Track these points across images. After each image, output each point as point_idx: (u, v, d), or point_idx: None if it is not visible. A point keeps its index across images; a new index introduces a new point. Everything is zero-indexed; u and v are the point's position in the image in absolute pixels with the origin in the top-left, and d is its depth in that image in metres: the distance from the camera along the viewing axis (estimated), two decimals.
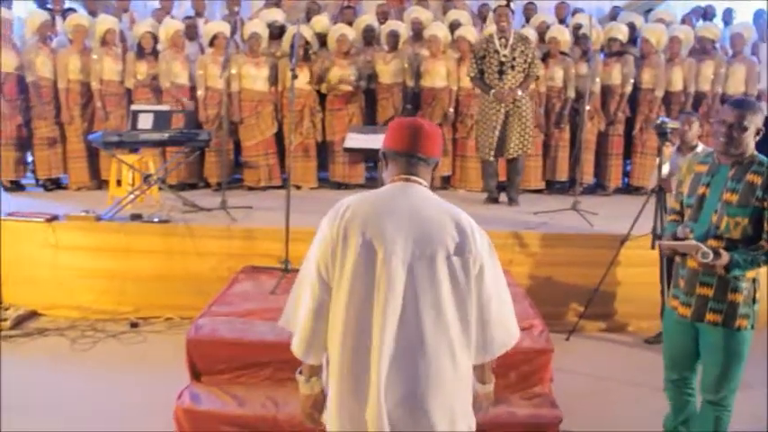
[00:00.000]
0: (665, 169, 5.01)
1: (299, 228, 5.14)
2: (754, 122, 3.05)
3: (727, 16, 8.97)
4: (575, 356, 5.03)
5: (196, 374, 4.08)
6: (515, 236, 5.80)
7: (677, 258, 3.30)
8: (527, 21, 8.65)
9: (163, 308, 5.68)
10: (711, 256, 2.99)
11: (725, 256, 3.00)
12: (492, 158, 6.92)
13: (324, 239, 2.26)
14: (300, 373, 2.40)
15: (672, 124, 5.13)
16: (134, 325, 5.59)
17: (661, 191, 5.10)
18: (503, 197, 7.21)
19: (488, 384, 2.46)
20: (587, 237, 5.86)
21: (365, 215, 2.23)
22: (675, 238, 3.22)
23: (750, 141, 3.07)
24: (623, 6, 9.21)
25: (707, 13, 8.87)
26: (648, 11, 9.14)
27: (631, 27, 8.15)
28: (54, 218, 5.87)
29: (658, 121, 5.13)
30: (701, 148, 5.10)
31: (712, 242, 3.08)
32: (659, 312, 5.21)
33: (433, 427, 2.21)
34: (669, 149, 5.18)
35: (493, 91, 6.73)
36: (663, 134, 5.10)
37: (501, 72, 6.72)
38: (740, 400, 3.36)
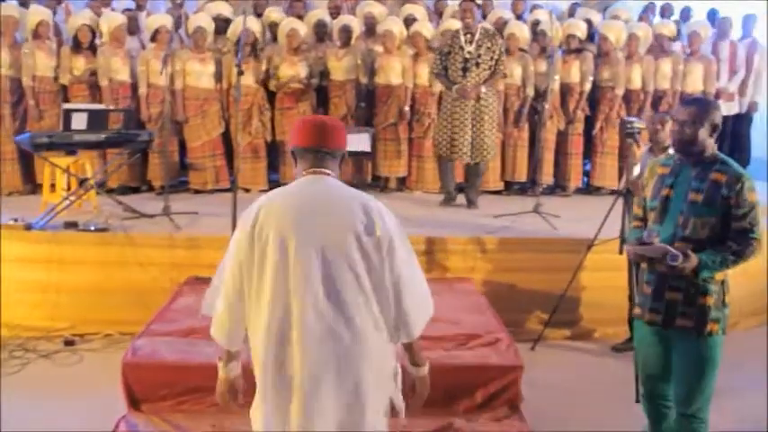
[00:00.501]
0: (636, 171, 4.79)
1: None
2: (708, 120, 3.01)
3: (685, 14, 8.87)
4: (541, 367, 4.78)
5: (134, 402, 3.74)
6: (476, 241, 5.57)
7: (643, 264, 3.18)
8: (484, 17, 8.37)
9: (101, 323, 5.30)
10: (681, 258, 2.92)
11: (693, 258, 2.94)
12: (460, 160, 6.68)
13: (241, 239, 2.38)
14: (220, 358, 2.54)
15: (638, 124, 4.93)
16: (69, 343, 5.18)
17: (629, 193, 4.88)
18: (460, 199, 6.97)
19: (422, 367, 2.52)
20: (551, 241, 5.67)
21: (278, 212, 2.35)
22: (641, 243, 3.09)
23: (707, 139, 3.03)
24: (581, 3, 9.01)
25: (664, 11, 8.75)
26: (606, 8, 9.00)
27: (588, 24, 7.98)
28: None
29: (625, 122, 4.91)
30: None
31: (679, 244, 3.00)
32: (627, 318, 5.08)
33: (362, 410, 2.34)
34: (639, 151, 4.97)
35: (456, 86, 6.50)
36: (630, 135, 4.89)
37: (465, 69, 6.49)
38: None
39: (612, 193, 7.59)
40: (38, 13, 7.27)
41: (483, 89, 6.48)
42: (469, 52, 6.46)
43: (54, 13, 7.71)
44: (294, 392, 2.33)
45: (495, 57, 6.52)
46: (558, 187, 7.88)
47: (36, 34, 7.19)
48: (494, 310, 4.60)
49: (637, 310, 3.28)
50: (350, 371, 2.33)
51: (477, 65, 6.47)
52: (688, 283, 3.02)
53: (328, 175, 2.46)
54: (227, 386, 2.55)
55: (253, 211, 2.39)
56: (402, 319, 2.40)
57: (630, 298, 4.88)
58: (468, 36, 6.51)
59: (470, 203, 6.83)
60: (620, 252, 4.83)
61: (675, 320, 3.07)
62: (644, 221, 3.27)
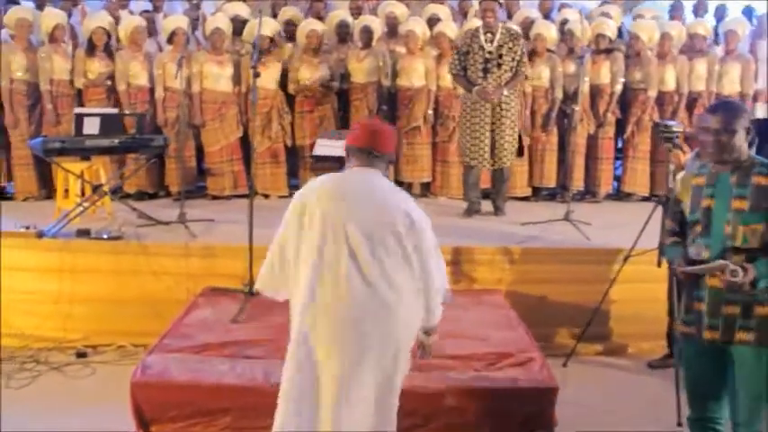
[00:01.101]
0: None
1: (266, 245, 4.57)
2: (742, 124, 2.91)
3: (720, 12, 8.52)
4: (574, 385, 4.49)
5: (143, 423, 3.53)
6: (504, 251, 5.31)
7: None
8: (509, 16, 8.14)
9: (114, 334, 5.12)
10: (741, 273, 2.79)
11: (751, 270, 2.82)
12: (478, 166, 6.40)
13: (291, 213, 2.82)
14: None
15: (676, 127, 4.64)
16: (81, 355, 5.00)
17: (668, 201, 4.59)
18: (485, 207, 6.68)
19: (433, 335, 3.02)
20: (583, 251, 5.39)
21: (327, 192, 2.79)
22: (690, 262, 2.94)
23: (742, 143, 2.93)
24: (609, 1, 8.72)
25: (698, 9, 8.42)
26: (632, 7, 8.73)
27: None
28: None
29: (659, 125, 4.63)
30: None
31: (736, 258, 2.85)
32: (666, 333, 4.85)
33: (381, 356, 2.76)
34: (685, 156, 4.68)
35: (476, 88, 6.21)
36: (667, 139, 4.61)
37: (486, 70, 6.21)
38: None
39: (644, 199, 7.45)
40: (54, 16, 7.14)
41: (505, 91, 6.20)
42: (490, 52, 6.19)
43: (69, 15, 7.56)
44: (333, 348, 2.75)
45: (518, 58, 6.24)
46: (588, 193, 7.58)
47: (52, 38, 7.05)
48: (525, 325, 4.32)
49: (686, 328, 3.07)
50: (390, 333, 2.76)
51: (499, 66, 6.20)
52: (745, 295, 2.87)
53: (375, 170, 2.86)
54: None
55: (304, 190, 2.84)
56: (430, 305, 2.87)
57: (670, 313, 4.61)
58: (489, 35, 6.23)
59: (497, 210, 6.57)
60: (659, 264, 4.59)
61: (735, 335, 2.91)
62: (680, 236, 3.12)
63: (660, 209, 4.62)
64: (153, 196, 7.26)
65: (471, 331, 4.21)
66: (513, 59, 6.23)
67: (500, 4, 6.41)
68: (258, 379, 3.53)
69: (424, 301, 2.83)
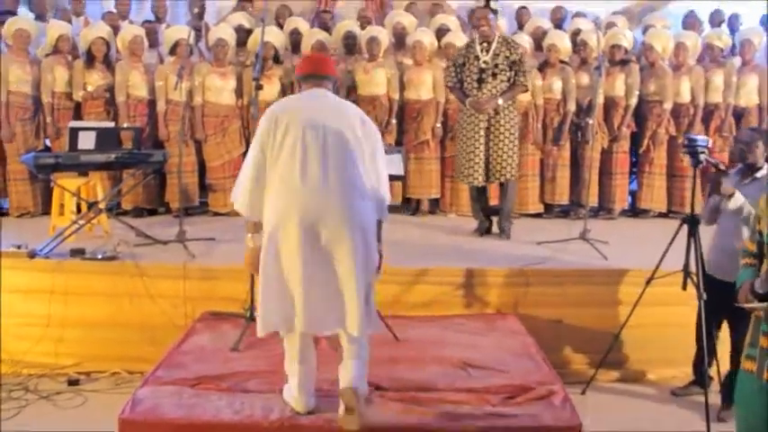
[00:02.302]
0: (739, 201, 4.15)
1: None
2: None
3: (733, 22, 8.23)
4: (594, 414, 4.16)
5: None
6: (518, 273, 5.02)
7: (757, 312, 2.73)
8: (520, 27, 7.88)
9: (107, 360, 4.85)
10: None
11: None
12: (472, 182, 6.08)
13: (262, 129, 3.16)
14: (248, 231, 3.29)
15: (703, 142, 4.34)
16: (73, 382, 4.71)
17: (693, 220, 4.30)
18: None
19: (381, 243, 3.30)
20: (602, 272, 5.07)
21: (292, 107, 3.22)
22: (756, 294, 2.70)
23: None
24: (622, 11, 8.47)
25: (714, 19, 8.13)
26: (643, 17, 8.47)
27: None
28: None
29: (689, 140, 4.33)
30: (766, 169, 4.30)
31: None
32: (692, 360, 4.59)
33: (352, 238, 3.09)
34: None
35: (469, 100, 5.92)
36: (694, 154, 4.30)
37: (480, 81, 5.91)
38: None
39: (661, 215, 7.19)
40: (57, 27, 6.97)
41: (500, 101, 5.87)
42: (485, 62, 5.89)
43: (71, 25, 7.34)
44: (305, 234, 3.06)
45: (515, 68, 5.92)
46: (603, 209, 7.29)
47: (56, 49, 6.88)
48: (544, 354, 4.03)
49: (747, 364, 2.82)
50: (356, 219, 3.09)
51: (494, 75, 5.89)
52: None
53: (325, 88, 3.32)
54: (255, 254, 3.24)
55: (271, 109, 3.21)
56: (380, 201, 3.24)
57: (698, 339, 4.30)
58: (485, 45, 5.94)
59: (501, 232, 6.18)
60: (684, 287, 4.31)
61: None
62: (758, 258, 2.89)
63: (685, 227, 4.33)
64: (152, 213, 7.06)
65: (486, 360, 3.93)
66: (511, 69, 5.92)
67: (494, 12, 6.10)
68: (257, 416, 3.24)
69: (374, 197, 3.20)
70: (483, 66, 5.91)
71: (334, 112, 3.20)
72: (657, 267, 4.44)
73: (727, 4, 8.30)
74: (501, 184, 6.17)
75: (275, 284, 3.10)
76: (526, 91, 6.29)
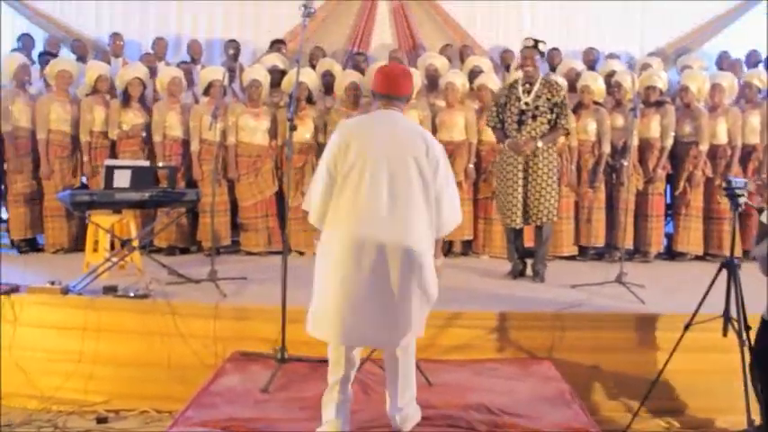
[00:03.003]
0: None
1: (300, 306, 4.27)
2: None
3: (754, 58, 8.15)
4: None
5: None
6: (553, 317, 4.92)
7: None
8: (552, 68, 7.89)
9: (138, 398, 4.79)
10: None
11: None
12: (510, 224, 6.05)
13: (334, 144, 3.33)
14: (316, 238, 3.42)
15: (749, 185, 4.24)
16: (101, 420, 4.67)
17: (732, 264, 4.19)
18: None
19: (438, 260, 3.47)
20: (639, 317, 4.94)
21: (363, 130, 3.38)
22: None
23: None
24: (656, 52, 8.46)
25: (750, 59, 8.06)
26: (678, 56, 8.48)
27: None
28: (14, 289, 5.03)
29: (731, 182, 4.24)
30: None
31: None
32: (745, 407, 4.23)
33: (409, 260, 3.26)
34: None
35: (507, 141, 5.92)
36: (734, 197, 4.21)
37: (521, 122, 5.91)
38: None
39: (698, 258, 7.09)
40: (97, 67, 7.13)
41: (539, 143, 5.85)
42: (526, 103, 5.89)
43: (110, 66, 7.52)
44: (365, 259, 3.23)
45: (557, 110, 5.90)
46: (638, 252, 7.18)
47: (95, 89, 7.03)
48: (581, 401, 3.92)
49: None
50: (413, 244, 3.25)
51: (534, 117, 5.88)
52: None
53: (397, 109, 3.43)
54: None
55: (346, 126, 3.43)
56: (441, 221, 3.37)
57: (745, 384, 4.14)
58: (527, 86, 5.95)
59: (536, 275, 6.12)
60: (725, 333, 4.18)
61: None
62: None
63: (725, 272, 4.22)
64: (184, 252, 7.11)
65: (520, 407, 3.83)
66: (552, 111, 5.91)
67: (541, 54, 6.08)
68: None
69: (433, 221, 3.33)
70: (524, 107, 5.91)
71: (402, 137, 3.34)
72: (696, 312, 4.31)
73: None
74: (537, 227, 6.11)
75: (329, 293, 3.29)
76: (568, 134, 6.29)
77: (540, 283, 5.98)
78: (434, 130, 7.07)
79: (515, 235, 6.19)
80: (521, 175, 5.91)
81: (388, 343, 3.35)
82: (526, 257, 6.25)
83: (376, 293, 3.23)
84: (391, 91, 3.42)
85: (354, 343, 3.35)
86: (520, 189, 5.92)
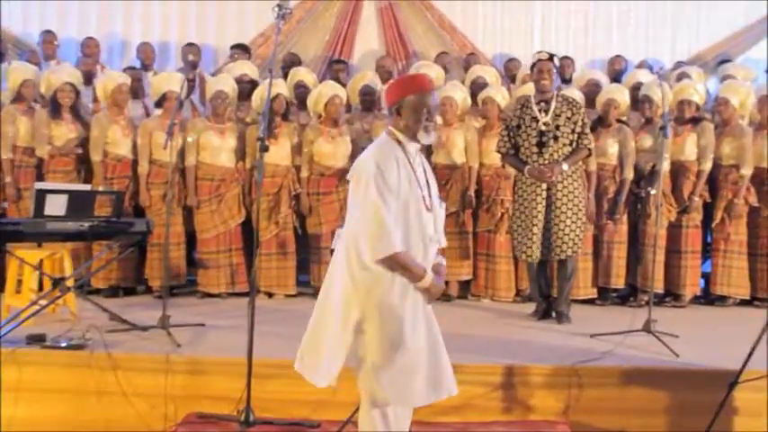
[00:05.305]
0: None
1: (268, 359, 4.54)
2: None
3: None
4: None
5: None
6: (569, 372, 4.89)
7: None
8: (564, 80, 7.92)
9: None
10: None
11: None
12: (526, 258, 6.17)
13: (389, 173, 3.40)
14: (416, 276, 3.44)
15: None
16: None
17: None
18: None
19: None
20: (672, 373, 4.93)
21: (400, 157, 3.50)
22: None
23: None
24: (687, 61, 8.54)
25: None
26: (719, 64, 8.60)
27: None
28: None
29: None
30: None
31: None
32: None
33: None
34: None
35: (528, 168, 6.02)
36: None
37: (541, 144, 6.01)
38: None
39: (743, 303, 7.10)
40: (21, 70, 7.10)
41: (565, 167, 5.97)
42: (546, 123, 6.01)
43: (40, 69, 7.48)
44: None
45: (578, 129, 6.05)
46: (670, 296, 7.18)
47: (19, 96, 6.98)
48: None
49: None
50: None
51: (556, 139, 6.01)
52: None
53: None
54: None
55: (386, 156, 3.45)
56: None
57: None
58: (543, 104, 6.06)
59: (561, 317, 6.21)
60: None
61: None
62: None
63: None
64: (129, 293, 7.12)
65: None
66: (573, 131, 6.05)
67: (556, 67, 6.20)
68: None
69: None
70: (543, 128, 6.02)
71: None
72: (743, 368, 4.29)
73: None
74: (559, 261, 6.21)
75: (424, 349, 3.46)
76: (590, 155, 6.39)
77: (558, 329, 6.05)
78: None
79: (538, 271, 6.30)
80: (543, 203, 6.03)
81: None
82: (550, 297, 6.44)
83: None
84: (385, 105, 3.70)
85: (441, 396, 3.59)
86: (541, 217, 6.03)
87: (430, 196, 3.52)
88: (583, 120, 6.09)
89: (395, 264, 3.34)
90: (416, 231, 3.42)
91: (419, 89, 3.51)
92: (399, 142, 3.49)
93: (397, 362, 3.35)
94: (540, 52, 6.11)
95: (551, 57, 6.07)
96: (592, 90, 7.43)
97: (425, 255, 3.47)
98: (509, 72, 8.34)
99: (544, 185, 5.99)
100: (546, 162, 5.98)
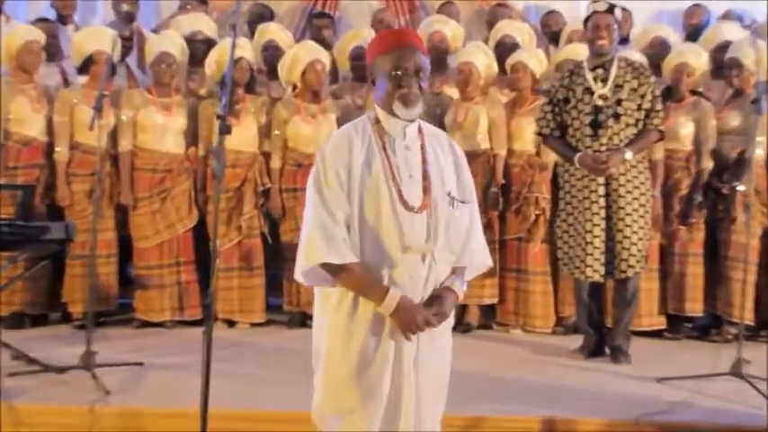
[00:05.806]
0: None
1: (228, 410, 4.54)
2: None
3: None
4: None
5: None
6: (633, 427, 4.90)
7: None
8: (623, 40, 7.90)
9: None
10: None
11: None
12: (582, 277, 6.15)
13: None
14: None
15: None
16: None
17: None
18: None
19: None
20: None
21: None
22: None
23: None
24: None
25: None
26: None
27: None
28: None
29: None
30: None
31: None
32: None
33: None
34: None
35: (579, 155, 6.00)
36: None
37: (597, 124, 5.99)
38: None
39: None
40: None
41: (627, 155, 5.93)
42: (603, 97, 6.01)
43: None
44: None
45: (646, 105, 6.03)
46: (765, 328, 7.16)
47: None
48: None
49: None
50: None
51: (617, 117, 6.00)
52: None
53: None
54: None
55: None
56: None
57: None
58: (600, 71, 6.05)
59: (617, 354, 6.19)
60: None
61: None
62: None
63: None
64: (40, 322, 7.17)
65: None
66: (640, 108, 6.03)
67: (617, 23, 6.17)
68: None
69: None
70: (599, 103, 6.02)
71: None
72: None
73: None
74: (618, 281, 6.25)
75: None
76: (662, 139, 6.39)
77: (614, 369, 6.06)
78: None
79: (591, 293, 6.32)
80: (602, 202, 6.02)
81: None
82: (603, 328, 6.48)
83: None
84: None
85: None
86: (602, 224, 6.02)
87: (424, 192, 3.37)
88: (653, 92, 6.07)
89: (339, 278, 3.29)
90: (385, 237, 3.31)
91: (387, 47, 3.42)
92: (378, 121, 3.43)
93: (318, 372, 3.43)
94: (596, 2, 6.05)
95: (612, 7, 6.02)
96: (657, 52, 7.47)
97: (405, 268, 3.32)
98: (547, 29, 8.40)
99: (601, 180, 5.97)
100: (603, 148, 5.96)
